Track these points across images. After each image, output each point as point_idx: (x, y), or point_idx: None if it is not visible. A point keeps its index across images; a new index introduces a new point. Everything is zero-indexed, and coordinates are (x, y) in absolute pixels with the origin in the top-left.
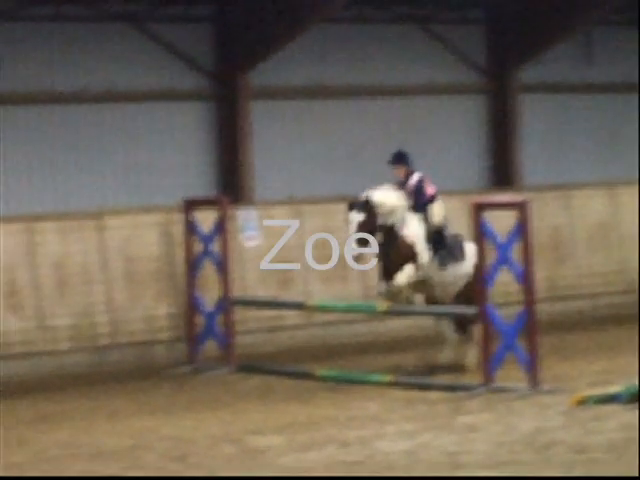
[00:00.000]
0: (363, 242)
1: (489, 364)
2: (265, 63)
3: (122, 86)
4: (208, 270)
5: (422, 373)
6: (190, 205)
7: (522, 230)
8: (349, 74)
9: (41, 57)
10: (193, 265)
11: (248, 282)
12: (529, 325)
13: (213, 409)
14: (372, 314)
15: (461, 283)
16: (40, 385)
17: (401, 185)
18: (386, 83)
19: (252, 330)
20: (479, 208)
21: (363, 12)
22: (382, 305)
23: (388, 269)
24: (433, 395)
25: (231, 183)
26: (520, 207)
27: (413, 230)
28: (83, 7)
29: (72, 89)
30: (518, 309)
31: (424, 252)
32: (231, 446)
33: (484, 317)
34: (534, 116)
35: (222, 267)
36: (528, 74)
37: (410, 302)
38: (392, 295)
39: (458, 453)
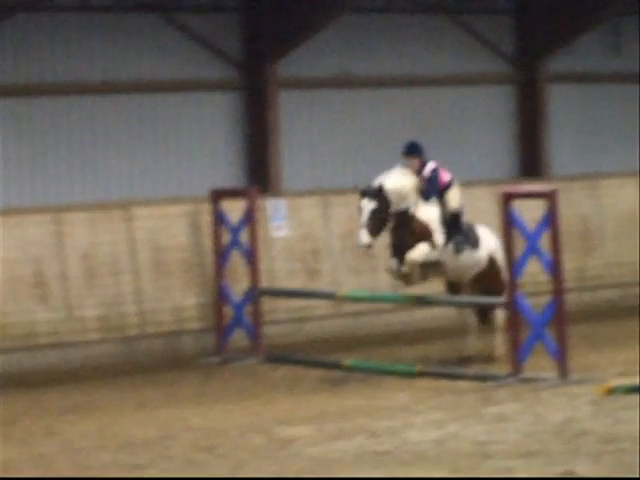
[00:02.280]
0: (373, 231)
1: (518, 354)
2: (294, 53)
3: (150, 76)
4: (236, 260)
5: (451, 363)
6: (218, 195)
7: (551, 220)
8: (378, 64)
9: (68, 48)
10: (221, 255)
11: (276, 272)
12: (558, 315)
13: (241, 399)
14: (400, 304)
15: (475, 270)
16: (68, 376)
17: (416, 174)
18: (415, 73)
19: (280, 320)
20: (508, 198)
21: (392, 2)
22: (411, 297)
23: (401, 248)
24: (462, 385)
25: (259, 173)
26: (549, 197)
27: (427, 212)
28: None
29: (100, 80)
30: (547, 299)
31: (439, 232)
32: (259, 436)
33: (513, 307)
34: (563, 106)
35: (250, 257)
36: (557, 64)
37: (419, 282)
38: (402, 275)
39: (487, 443)
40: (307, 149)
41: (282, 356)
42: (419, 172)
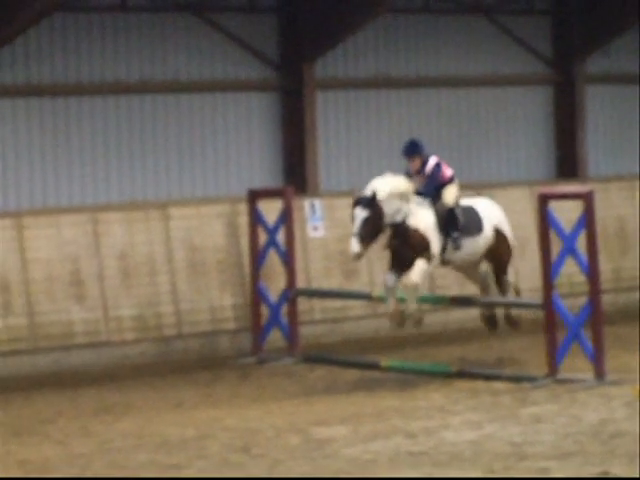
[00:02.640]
0: (365, 240)
1: (554, 355)
2: (331, 54)
3: (187, 77)
4: (273, 261)
5: (487, 364)
6: (255, 195)
7: (587, 221)
8: (415, 65)
9: (105, 48)
10: (258, 256)
11: (313, 273)
12: (594, 316)
13: (278, 400)
14: (437, 304)
15: (483, 249)
16: (104, 376)
17: (418, 172)
18: (452, 74)
19: (317, 321)
20: (545, 199)
21: (429, 2)
22: (447, 298)
23: (399, 261)
24: (498, 386)
25: (296, 173)
26: (585, 198)
27: (422, 219)
28: None
29: (137, 80)
30: (583, 300)
31: (435, 241)
32: (296, 437)
33: (550, 307)
34: (599, 107)
35: (287, 258)
36: (593, 65)
37: (418, 323)
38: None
39: (523, 444)
40: (344, 150)
41: (318, 356)
42: (420, 170)
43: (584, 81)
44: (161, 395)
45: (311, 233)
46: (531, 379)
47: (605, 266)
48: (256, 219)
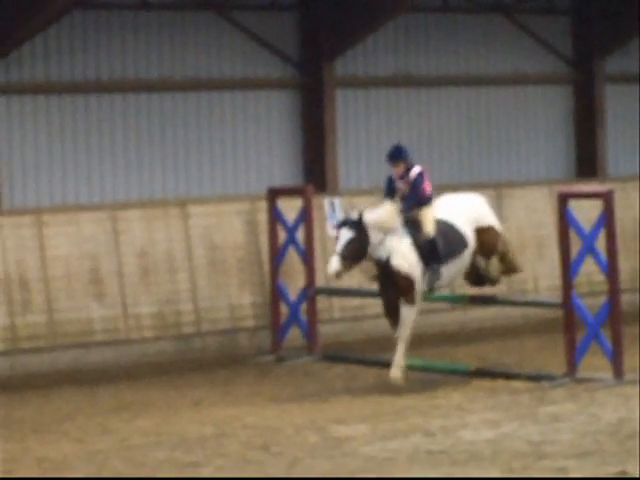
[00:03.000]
0: (346, 260)
1: (573, 354)
2: (351, 52)
3: (207, 74)
4: (292, 259)
5: (506, 363)
6: (275, 194)
7: (607, 220)
8: (434, 63)
9: (125, 45)
10: (277, 254)
11: None
12: (613, 315)
13: (297, 398)
14: (456, 303)
15: (467, 263)
16: (123, 373)
17: (401, 178)
18: (471, 73)
19: (336, 319)
20: (564, 198)
21: (449, 1)
22: (466, 297)
23: (389, 308)
24: (517, 385)
25: (316, 172)
26: (605, 197)
27: (405, 258)
28: None
29: (157, 78)
30: (602, 299)
31: (419, 281)
32: (315, 435)
33: (569, 307)
34: (619, 106)
35: (306, 256)
36: (613, 64)
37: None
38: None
39: (542, 443)
40: (364, 148)
41: (337, 355)
42: (404, 176)
43: (604, 80)
44: (180, 393)
45: (330, 231)
46: (550, 378)
47: (624, 265)
48: (276, 217)
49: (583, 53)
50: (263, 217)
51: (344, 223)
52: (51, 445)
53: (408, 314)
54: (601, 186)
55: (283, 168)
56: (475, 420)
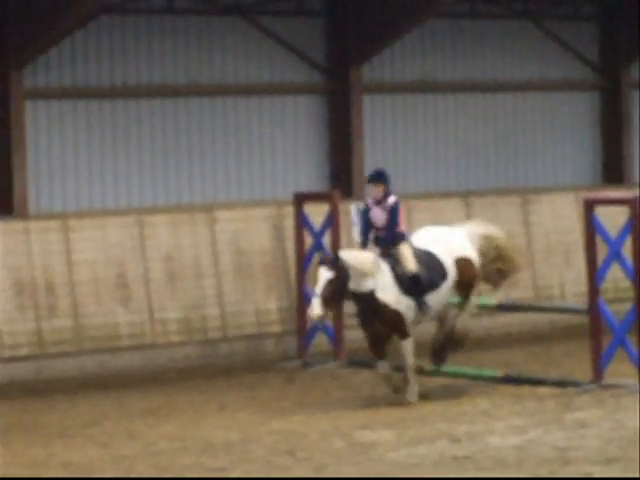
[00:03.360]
0: (328, 302)
1: (599, 360)
2: (377, 58)
3: (234, 80)
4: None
5: (532, 369)
6: (301, 199)
7: (633, 226)
8: (461, 69)
9: (152, 50)
10: (304, 259)
11: None
12: None
13: (322, 403)
14: (483, 309)
15: (449, 293)
16: (149, 378)
17: (378, 202)
18: (498, 79)
19: None
20: (591, 204)
21: (476, 7)
22: (492, 303)
23: (376, 342)
24: (543, 391)
25: (342, 177)
26: (631, 203)
27: (390, 293)
28: (196, 0)
29: (184, 82)
30: (629, 305)
31: (407, 314)
32: (340, 440)
33: (595, 313)
34: None
35: None
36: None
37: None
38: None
39: (568, 449)
40: (390, 153)
41: (364, 360)
42: (381, 201)
43: (630, 87)
44: (206, 398)
45: (357, 237)
46: (576, 384)
47: None
48: (302, 222)
49: (609, 59)
50: (290, 222)
51: (322, 262)
52: (77, 450)
53: (406, 347)
54: (627, 192)
55: (309, 173)
56: (501, 426)
